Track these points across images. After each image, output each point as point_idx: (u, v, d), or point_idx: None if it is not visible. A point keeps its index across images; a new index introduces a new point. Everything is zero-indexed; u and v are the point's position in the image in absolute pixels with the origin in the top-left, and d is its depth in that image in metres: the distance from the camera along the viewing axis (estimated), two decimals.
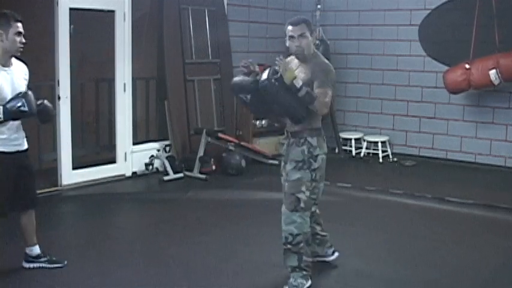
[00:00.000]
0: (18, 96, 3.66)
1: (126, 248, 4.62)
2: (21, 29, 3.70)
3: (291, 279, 3.71)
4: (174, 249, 4.51)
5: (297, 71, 3.65)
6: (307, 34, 3.67)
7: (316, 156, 3.69)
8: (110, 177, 6.62)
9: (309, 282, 3.75)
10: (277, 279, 3.94)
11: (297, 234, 3.66)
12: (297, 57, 3.76)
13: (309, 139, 3.69)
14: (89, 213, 5.59)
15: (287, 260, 3.74)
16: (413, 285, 3.97)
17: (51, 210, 5.43)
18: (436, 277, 4.07)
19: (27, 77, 3.90)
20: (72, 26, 6.11)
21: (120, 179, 6.70)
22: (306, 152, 3.67)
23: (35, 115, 3.79)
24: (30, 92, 3.75)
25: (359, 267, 4.22)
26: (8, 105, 3.61)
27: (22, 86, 3.81)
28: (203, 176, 6.75)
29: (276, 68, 3.57)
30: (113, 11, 6.53)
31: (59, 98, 6.02)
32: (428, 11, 7.78)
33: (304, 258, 3.71)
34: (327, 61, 3.79)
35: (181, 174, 6.80)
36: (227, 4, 7.76)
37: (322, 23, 8.08)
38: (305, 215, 3.69)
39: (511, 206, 5.75)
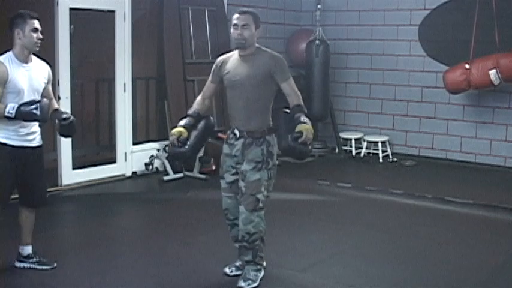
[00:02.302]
0: (34, 101, 3.74)
1: (126, 248, 4.62)
2: (37, 26, 3.78)
3: (245, 272, 3.82)
4: (174, 249, 4.52)
5: (242, 67, 3.69)
6: (251, 26, 3.67)
7: (273, 154, 3.75)
8: (110, 177, 6.62)
9: (262, 273, 3.88)
10: (278, 279, 3.94)
11: (254, 233, 3.73)
12: (237, 47, 3.74)
13: (267, 137, 3.72)
14: (89, 213, 5.59)
15: (242, 255, 3.85)
16: (413, 285, 3.97)
17: (51, 210, 5.41)
18: (436, 277, 4.07)
19: (47, 76, 3.96)
20: (72, 26, 6.11)
21: (120, 179, 6.70)
22: (265, 152, 3.69)
23: (45, 121, 3.83)
24: (45, 100, 3.83)
25: (359, 267, 4.23)
26: (22, 106, 3.69)
27: (40, 84, 3.88)
28: (203, 176, 6.75)
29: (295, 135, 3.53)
30: (113, 11, 6.53)
31: (59, 98, 6.02)
32: (428, 11, 7.78)
33: (259, 253, 3.82)
34: (274, 52, 3.79)
35: (181, 174, 6.80)
36: (227, 4, 7.75)
37: (322, 23, 8.08)
38: (261, 213, 3.75)
39: (511, 206, 5.75)
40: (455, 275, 4.12)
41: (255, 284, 3.79)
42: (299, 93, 3.73)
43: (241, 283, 3.77)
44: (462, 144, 7.75)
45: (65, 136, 4.27)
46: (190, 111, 3.92)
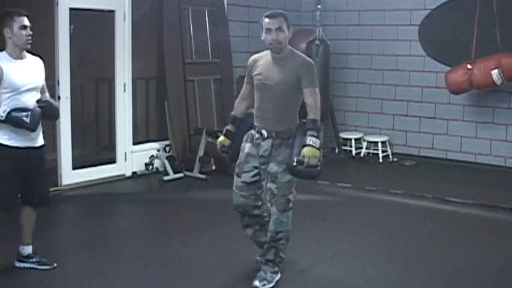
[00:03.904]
0: (27, 108, 3.74)
1: (126, 248, 4.62)
2: (25, 23, 3.78)
3: (262, 273, 3.81)
4: (174, 249, 4.52)
5: (274, 70, 3.68)
6: (285, 28, 3.65)
7: None
8: (110, 177, 6.62)
9: (279, 276, 3.87)
10: (278, 279, 3.94)
11: (280, 232, 3.75)
12: (272, 52, 3.71)
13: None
14: (89, 213, 5.59)
15: (265, 253, 3.84)
16: (413, 285, 3.97)
17: (51, 210, 5.39)
18: (436, 277, 4.07)
19: (43, 70, 3.98)
20: (72, 26, 6.11)
21: (120, 179, 6.69)
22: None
23: (33, 130, 3.79)
24: (38, 109, 3.81)
25: (359, 267, 4.23)
26: (13, 112, 3.69)
27: (38, 80, 3.89)
28: (203, 176, 6.75)
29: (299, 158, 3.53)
30: (113, 11, 6.53)
31: (59, 98, 6.02)
32: (428, 11, 7.78)
33: (280, 253, 3.82)
34: (306, 56, 3.77)
35: (181, 174, 6.80)
36: (227, 4, 7.76)
37: (322, 23, 8.08)
38: (290, 213, 3.77)
39: (511, 206, 5.75)
40: (455, 275, 4.12)
41: (271, 285, 3.78)
42: (319, 105, 3.65)
43: (257, 283, 3.76)
44: (462, 144, 7.75)
45: (48, 119, 4.09)
46: (229, 118, 4.05)
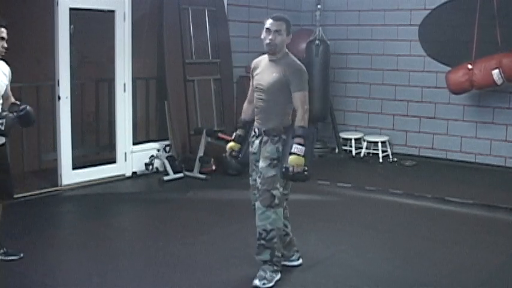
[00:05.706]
0: (1, 116, 3.78)
1: (126, 248, 4.62)
2: (4, 35, 3.81)
3: (262, 272, 3.83)
4: (174, 249, 4.52)
5: (267, 72, 3.79)
6: (283, 32, 3.77)
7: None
8: (110, 177, 6.62)
9: (279, 275, 3.89)
10: (278, 279, 3.94)
11: (271, 230, 3.78)
12: (267, 52, 3.82)
13: (283, 136, 3.77)
14: (89, 213, 5.59)
15: (260, 254, 3.86)
16: (413, 285, 3.97)
17: (51, 210, 5.43)
18: (436, 277, 4.07)
19: (8, 75, 4.01)
20: (72, 26, 6.11)
21: (120, 179, 6.70)
22: (280, 149, 3.75)
23: (6, 136, 3.87)
24: (11, 116, 3.86)
25: (359, 267, 4.23)
26: None
27: (2, 84, 3.91)
28: (203, 176, 6.75)
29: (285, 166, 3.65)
30: (113, 11, 6.53)
31: (59, 98, 6.02)
32: (428, 11, 7.78)
33: (276, 253, 3.85)
34: (298, 61, 3.85)
35: (181, 174, 6.80)
36: (227, 4, 7.76)
37: (322, 23, 8.08)
38: (279, 211, 3.81)
39: (511, 206, 5.75)
40: (455, 275, 4.12)
41: (270, 285, 3.80)
42: (306, 107, 3.72)
43: (256, 282, 3.78)
44: (462, 144, 7.75)
45: (25, 126, 4.19)
46: (238, 123, 4.15)
